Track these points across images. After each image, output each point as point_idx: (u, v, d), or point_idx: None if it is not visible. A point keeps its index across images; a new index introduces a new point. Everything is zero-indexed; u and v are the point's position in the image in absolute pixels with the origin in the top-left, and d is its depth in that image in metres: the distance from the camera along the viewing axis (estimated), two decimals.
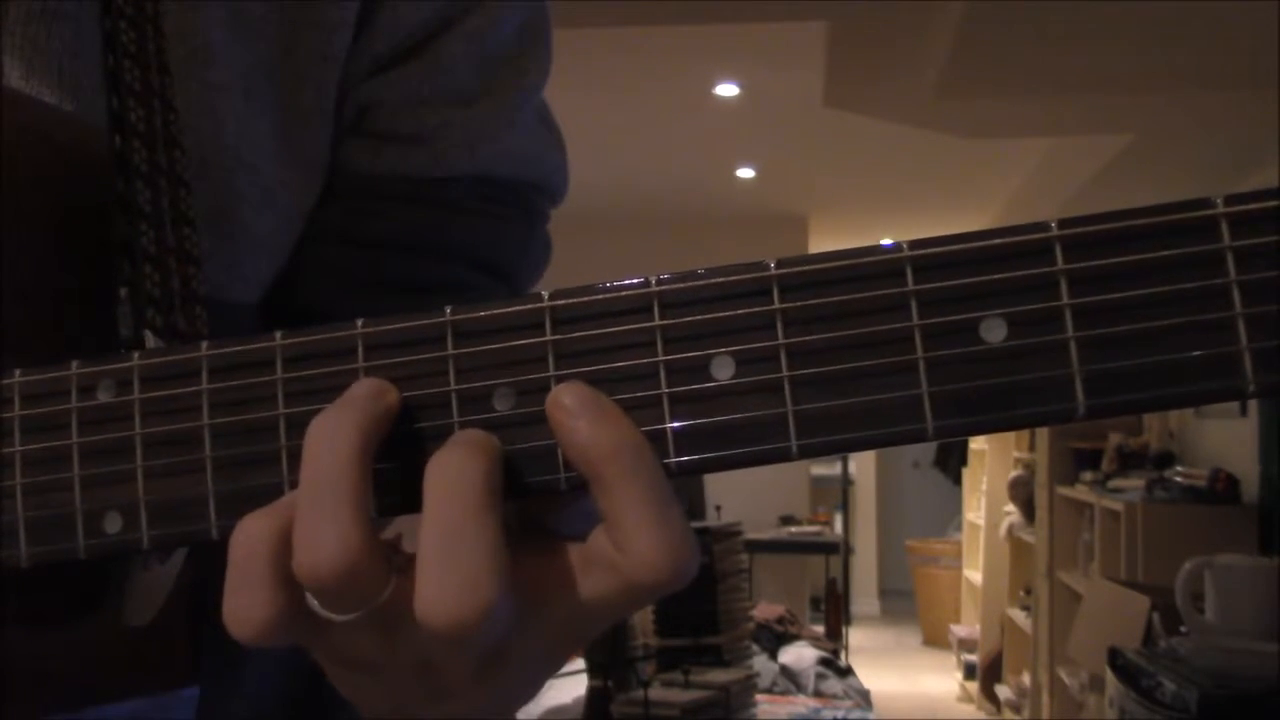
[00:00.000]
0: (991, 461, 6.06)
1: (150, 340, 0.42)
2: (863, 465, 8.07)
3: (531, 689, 0.38)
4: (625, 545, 0.31)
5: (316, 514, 0.31)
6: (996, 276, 0.29)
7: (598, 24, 3.25)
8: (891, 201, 5.93)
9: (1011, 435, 5.79)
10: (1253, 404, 3.71)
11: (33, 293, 0.42)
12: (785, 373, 0.31)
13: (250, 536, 0.32)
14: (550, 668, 0.37)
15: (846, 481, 7.09)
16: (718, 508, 4.54)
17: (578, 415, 0.31)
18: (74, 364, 0.37)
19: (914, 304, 0.30)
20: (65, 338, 0.42)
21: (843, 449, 0.30)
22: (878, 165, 5.16)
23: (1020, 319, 0.29)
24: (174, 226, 0.45)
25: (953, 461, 7.28)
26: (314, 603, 0.32)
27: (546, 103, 0.62)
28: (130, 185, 0.43)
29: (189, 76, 0.49)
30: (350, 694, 0.37)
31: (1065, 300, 0.29)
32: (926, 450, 8.17)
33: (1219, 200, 0.28)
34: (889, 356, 0.30)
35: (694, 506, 4.90)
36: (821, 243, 6.33)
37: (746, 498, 5.71)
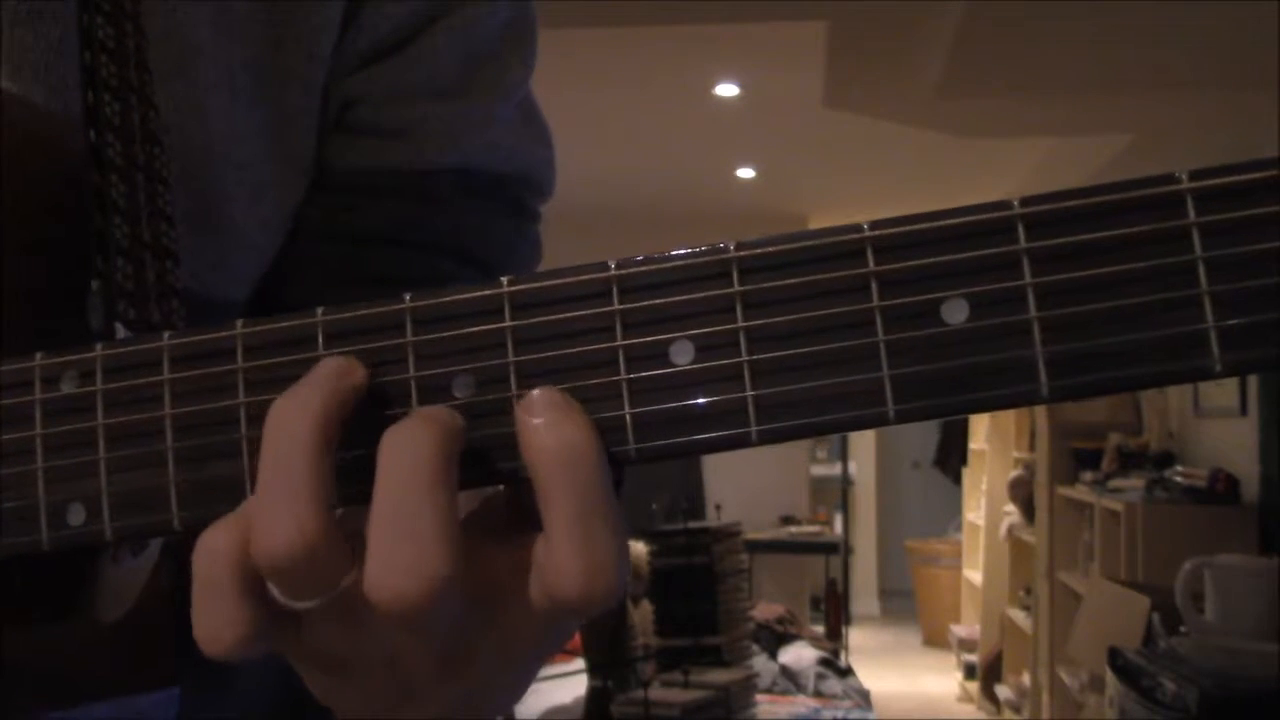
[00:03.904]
0: (991, 461, 6.06)
1: (121, 333, 0.42)
2: (863, 465, 8.07)
3: (504, 695, 0.37)
4: (549, 552, 0.31)
5: (273, 499, 0.31)
6: (958, 256, 0.29)
7: (598, 24, 3.25)
8: (891, 202, 5.93)
9: (1012, 435, 5.79)
10: (1253, 403, 3.71)
11: (7, 286, 0.42)
12: (745, 357, 0.30)
13: (211, 551, 0.32)
14: (517, 677, 0.37)
15: (846, 481, 7.09)
16: (718, 508, 4.53)
17: (535, 414, 0.31)
18: (38, 355, 0.37)
19: (874, 285, 0.29)
20: (39, 331, 0.42)
21: (803, 434, 0.30)
22: (878, 165, 5.16)
23: (982, 299, 0.29)
24: (150, 221, 0.44)
25: (953, 461, 7.28)
26: (275, 591, 0.32)
27: (534, 99, 0.62)
28: (104, 179, 0.43)
29: (177, 75, 0.49)
30: (326, 699, 0.37)
31: (1027, 280, 0.28)
32: (926, 450, 8.17)
33: (1184, 175, 0.27)
34: (849, 339, 0.29)
35: (694, 506, 4.90)
36: None
37: (746, 498, 5.71)
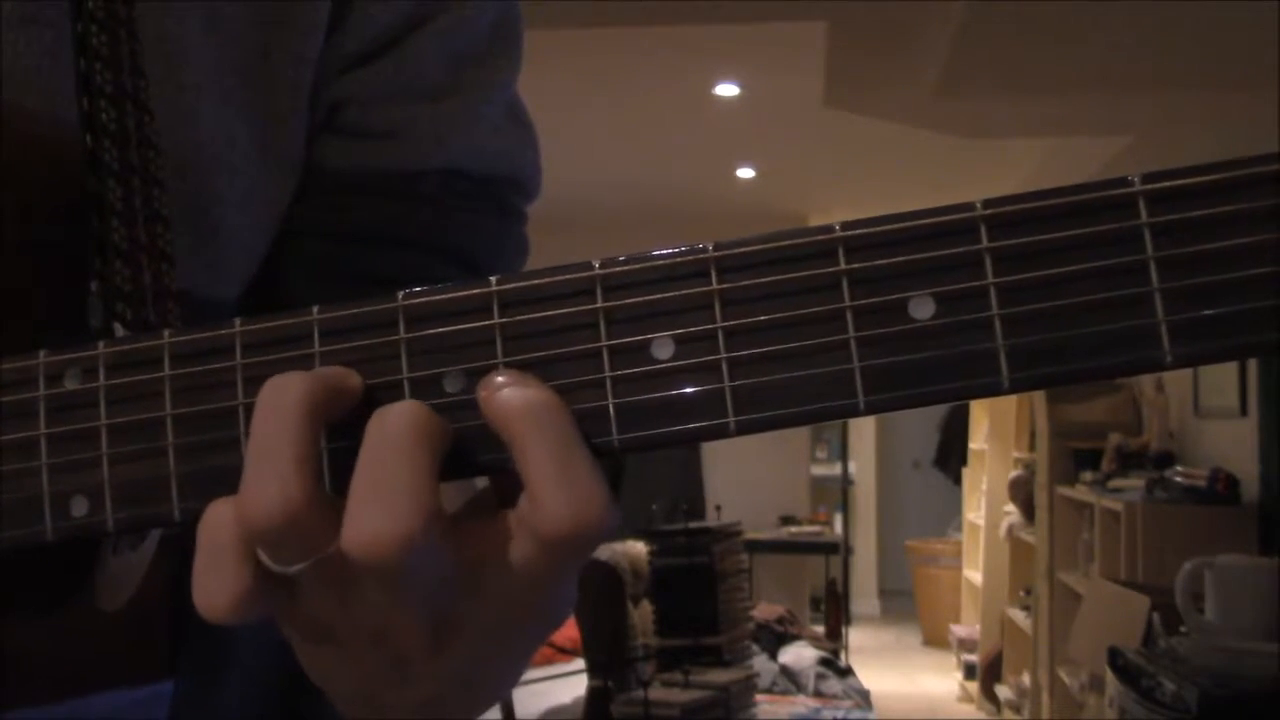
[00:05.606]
0: (991, 461, 6.06)
1: (120, 334, 0.43)
2: (863, 465, 8.07)
3: (499, 675, 0.38)
4: (534, 500, 0.32)
5: (259, 464, 0.32)
6: (924, 255, 0.30)
7: (598, 24, 3.26)
8: (891, 202, 5.93)
9: (1012, 435, 5.79)
10: (1253, 403, 3.71)
11: (6, 287, 0.43)
12: (723, 353, 0.32)
13: (217, 516, 0.33)
14: (513, 651, 0.38)
15: (846, 481, 7.09)
16: (718, 508, 4.54)
17: (495, 385, 0.32)
18: (41, 353, 0.38)
19: (845, 283, 0.31)
20: (35, 331, 0.42)
21: (779, 425, 0.31)
22: (878, 165, 5.16)
23: (947, 296, 0.30)
24: (146, 224, 0.45)
25: (953, 461, 7.28)
26: (263, 555, 0.33)
27: (520, 100, 0.63)
28: (101, 183, 0.44)
29: (167, 79, 0.50)
30: (321, 678, 0.38)
31: (990, 278, 0.30)
32: (926, 450, 8.17)
33: (1136, 178, 0.29)
34: (822, 335, 0.31)
35: (694, 506, 4.91)
36: None
37: (746, 498, 5.72)
